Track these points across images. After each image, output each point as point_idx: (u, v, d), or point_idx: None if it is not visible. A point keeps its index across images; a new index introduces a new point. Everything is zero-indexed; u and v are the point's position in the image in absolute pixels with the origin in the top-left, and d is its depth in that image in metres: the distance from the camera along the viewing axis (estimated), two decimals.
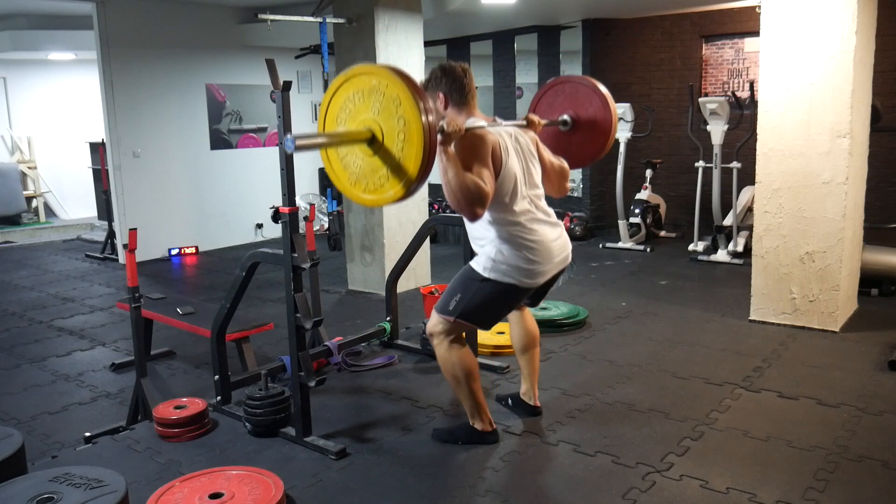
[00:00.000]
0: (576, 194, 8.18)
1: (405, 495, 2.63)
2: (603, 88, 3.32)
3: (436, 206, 7.95)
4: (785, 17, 4.24)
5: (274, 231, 8.16)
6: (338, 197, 7.61)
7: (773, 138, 4.36)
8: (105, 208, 7.63)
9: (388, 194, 2.40)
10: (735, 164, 6.31)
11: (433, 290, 4.64)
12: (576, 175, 7.89)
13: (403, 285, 4.94)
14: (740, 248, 6.32)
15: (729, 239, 6.43)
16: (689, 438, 3.00)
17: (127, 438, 3.16)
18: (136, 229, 3.35)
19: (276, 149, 2.91)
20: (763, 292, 4.53)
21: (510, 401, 3.30)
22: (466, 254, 3.22)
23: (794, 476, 2.67)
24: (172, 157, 7.66)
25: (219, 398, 3.37)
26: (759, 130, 4.42)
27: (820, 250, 4.29)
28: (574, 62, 8.06)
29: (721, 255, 6.38)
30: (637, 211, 7.17)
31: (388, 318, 4.24)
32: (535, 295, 2.98)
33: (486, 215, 2.70)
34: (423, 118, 2.24)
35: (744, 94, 7.14)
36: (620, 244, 7.12)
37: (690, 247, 6.70)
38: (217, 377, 3.35)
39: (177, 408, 3.16)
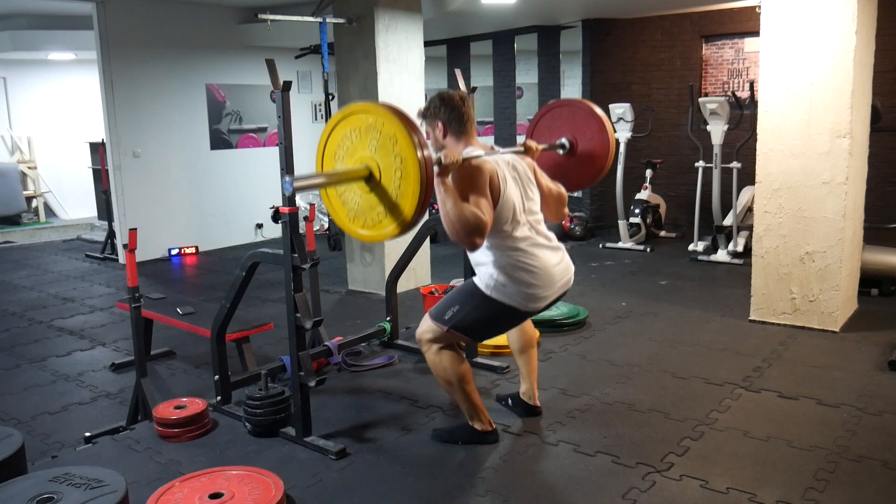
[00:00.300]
0: (576, 194, 8.18)
1: (405, 495, 2.63)
2: (600, 112, 3.36)
3: (436, 207, 7.92)
4: (785, 17, 4.24)
5: (274, 231, 8.15)
6: None
7: (773, 138, 4.36)
8: (105, 208, 7.63)
9: (386, 230, 2.45)
10: (735, 164, 6.31)
11: (433, 290, 4.64)
12: None
13: (403, 285, 4.94)
14: (740, 248, 6.32)
15: (729, 239, 6.43)
16: (689, 438, 3.00)
17: (127, 438, 3.16)
18: (136, 229, 3.35)
19: (276, 149, 2.92)
20: (763, 292, 4.53)
21: (510, 401, 3.30)
22: (467, 255, 3.22)
23: (794, 476, 2.67)
24: (172, 157, 7.66)
25: (219, 398, 3.37)
26: (759, 130, 4.42)
27: (820, 250, 4.29)
28: (574, 62, 8.06)
29: (721, 255, 6.38)
30: (637, 211, 7.17)
31: (388, 318, 4.24)
32: None
33: (487, 242, 2.71)
34: (419, 153, 2.28)
35: (744, 94, 7.14)
36: (620, 244, 7.12)
37: (690, 247, 6.70)
38: (217, 377, 3.35)
39: (177, 408, 3.16)
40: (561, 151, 3.41)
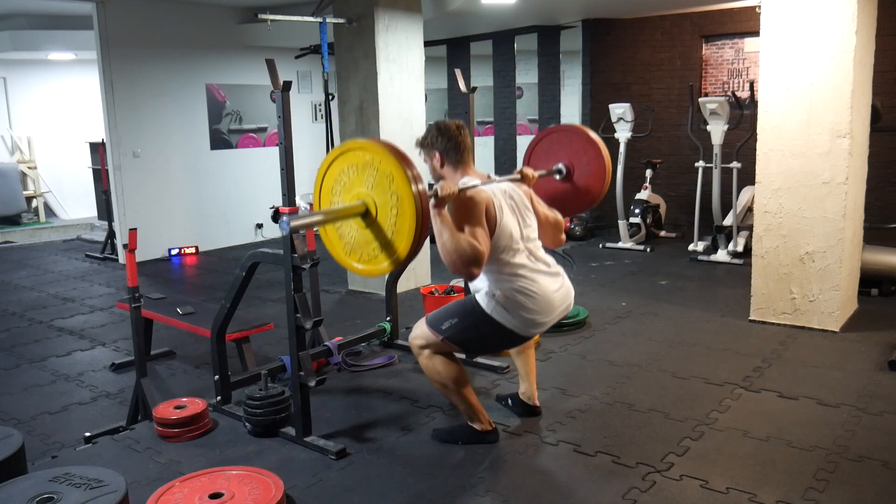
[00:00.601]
0: None
1: (405, 495, 2.63)
2: (596, 136, 3.42)
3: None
4: (785, 17, 4.24)
5: (274, 231, 8.15)
6: None
7: (773, 138, 4.36)
8: (105, 208, 7.63)
9: (382, 265, 2.50)
10: (735, 164, 6.31)
11: (433, 290, 4.64)
12: None
13: (403, 285, 4.95)
14: (740, 248, 6.32)
15: (729, 239, 6.43)
16: (689, 438, 3.00)
17: (127, 438, 3.16)
18: (136, 229, 3.35)
19: (276, 149, 2.93)
20: (763, 292, 4.53)
21: (510, 401, 3.30)
22: None
23: (794, 476, 2.67)
24: (172, 157, 7.66)
25: (219, 398, 3.37)
26: (759, 130, 4.42)
27: (820, 250, 4.29)
28: (574, 62, 8.07)
29: (721, 255, 6.38)
30: (637, 211, 7.17)
31: (388, 318, 4.24)
32: None
33: (486, 270, 2.73)
34: (413, 187, 2.31)
35: (744, 94, 7.14)
36: (620, 244, 7.12)
37: (690, 247, 6.70)
38: (217, 377, 3.35)
39: (177, 408, 3.16)
40: (558, 177, 3.49)
